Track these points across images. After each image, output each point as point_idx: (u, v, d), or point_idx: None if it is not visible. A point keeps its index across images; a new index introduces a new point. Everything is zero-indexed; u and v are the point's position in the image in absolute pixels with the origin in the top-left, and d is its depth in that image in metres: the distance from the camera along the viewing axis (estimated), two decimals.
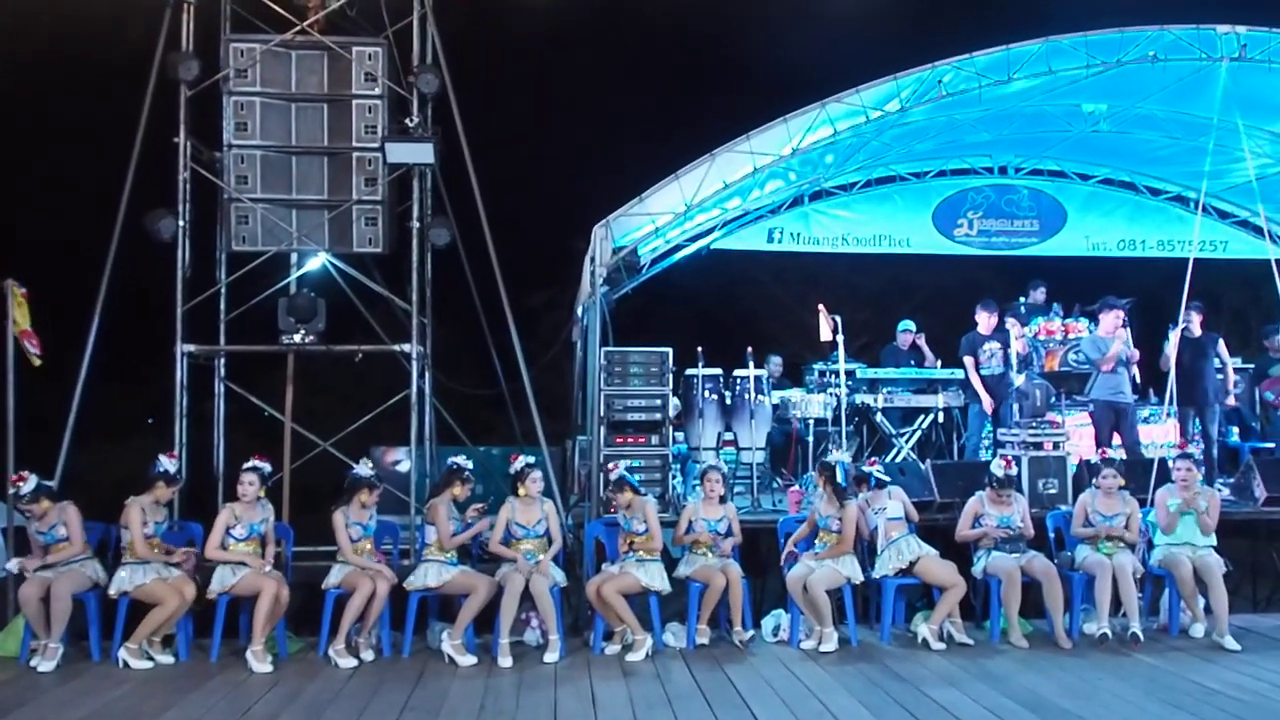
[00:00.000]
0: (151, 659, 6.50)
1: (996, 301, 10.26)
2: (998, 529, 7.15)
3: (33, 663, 6.42)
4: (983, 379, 9.85)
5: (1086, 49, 8.26)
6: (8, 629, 6.83)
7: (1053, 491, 8.25)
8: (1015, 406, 9.06)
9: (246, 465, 6.85)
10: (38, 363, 7.65)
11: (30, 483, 6.72)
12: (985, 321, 10.00)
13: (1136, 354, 9.13)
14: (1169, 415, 9.56)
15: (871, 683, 6.06)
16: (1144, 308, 9.48)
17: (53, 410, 8.16)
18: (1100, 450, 7.62)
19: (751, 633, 6.98)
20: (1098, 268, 12.05)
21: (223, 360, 9.13)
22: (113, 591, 6.56)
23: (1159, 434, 9.50)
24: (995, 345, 9.86)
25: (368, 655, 6.63)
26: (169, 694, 5.85)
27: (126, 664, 6.40)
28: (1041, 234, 11.54)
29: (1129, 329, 9.12)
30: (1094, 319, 9.18)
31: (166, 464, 6.88)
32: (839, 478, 7.09)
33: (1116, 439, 8.83)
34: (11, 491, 6.76)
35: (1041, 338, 9.76)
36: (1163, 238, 11.63)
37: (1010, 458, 7.63)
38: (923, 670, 6.32)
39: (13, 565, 6.78)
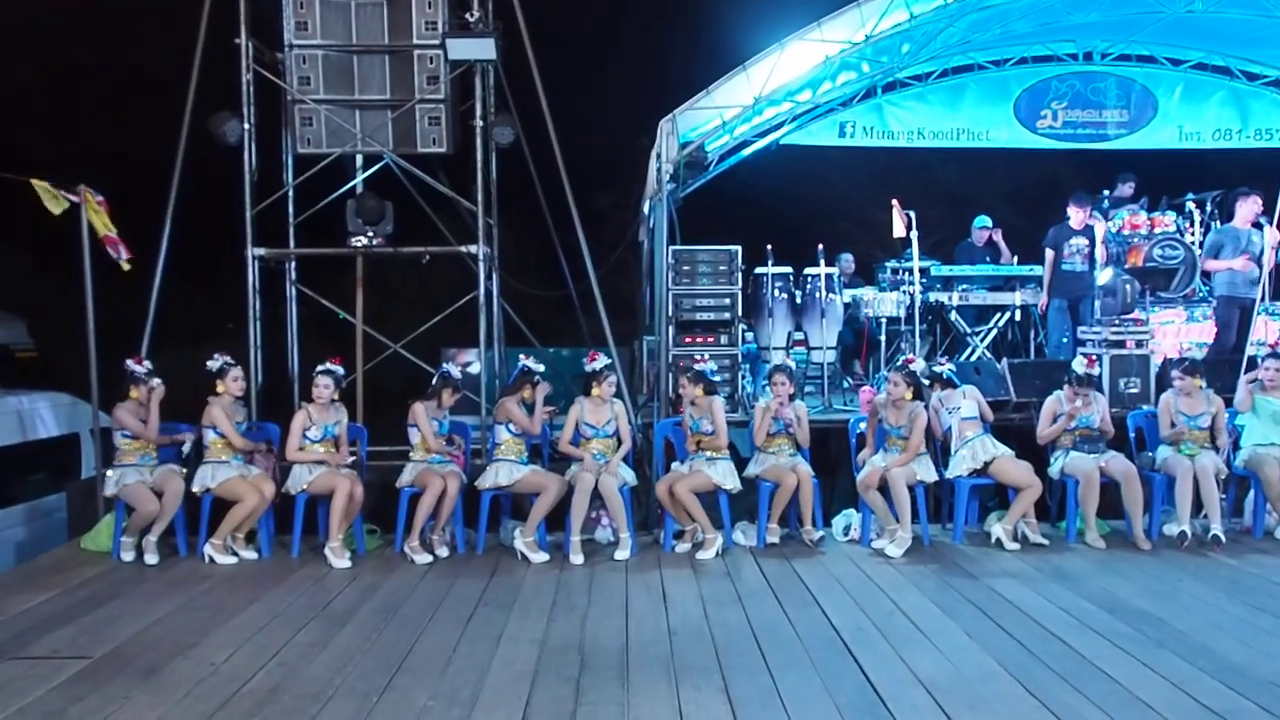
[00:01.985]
0: (236, 555, 6.70)
1: (1089, 195, 9.82)
2: (1078, 405, 6.92)
3: (128, 556, 6.65)
4: (1064, 274, 9.50)
5: None
6: (99, 525, 7.08)
7: (1134, 391, 8.03)
8: (1097, 304, 8.78)
9: (320, 368, 6.94)
10: (127, 267, 7.79)
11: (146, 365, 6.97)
12: (1076, 216, 9.56)
13: (1276, 237, 8.66)
14: (1264, 312, 9.16)
15: (943, 582, 6.02)
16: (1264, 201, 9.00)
17: (131, 315, 8.32)
18: (1178, 350, 7.34)
19: (822, 532, 6.97)
20: (1188, 160, 11.48)
21: (293, 263, 9.20)
22: (196, 488, 6.75)
23: (1253, 332, 9.12)
24: (1083, 241, 9.48)
25: (443, 552, 6.76)
26: (253, 588, 6.04)
27: (212, 559, 6.61)
28: (1130, 125, 11.00)
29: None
30: (1229, 210, 8.71)
31: (212, 363, 6.97)
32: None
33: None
34: (143, 371, 6.92)
35: (1126, 232, 9.42)
36: (1261, 126, 11.03)
37: (1092, 356, 7.40)
38: (995, 570, 6.26)
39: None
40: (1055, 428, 7.05)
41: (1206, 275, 9.19)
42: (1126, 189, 10.19)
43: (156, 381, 6.91)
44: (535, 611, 5.51)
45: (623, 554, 6.66)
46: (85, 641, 5.04)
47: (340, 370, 7.08)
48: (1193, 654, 4.65)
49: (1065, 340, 9.39)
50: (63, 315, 8.74)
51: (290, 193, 8.98)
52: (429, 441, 6.89)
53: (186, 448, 6.99)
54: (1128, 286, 8.39)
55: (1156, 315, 9.03)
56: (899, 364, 7.11)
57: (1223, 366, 7.85)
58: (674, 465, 7.17)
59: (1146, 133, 11.03)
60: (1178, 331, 9.19)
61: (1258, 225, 8.76)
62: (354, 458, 7.18)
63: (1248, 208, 8.66)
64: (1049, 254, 9.50)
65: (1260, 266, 8.70)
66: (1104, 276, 8.65)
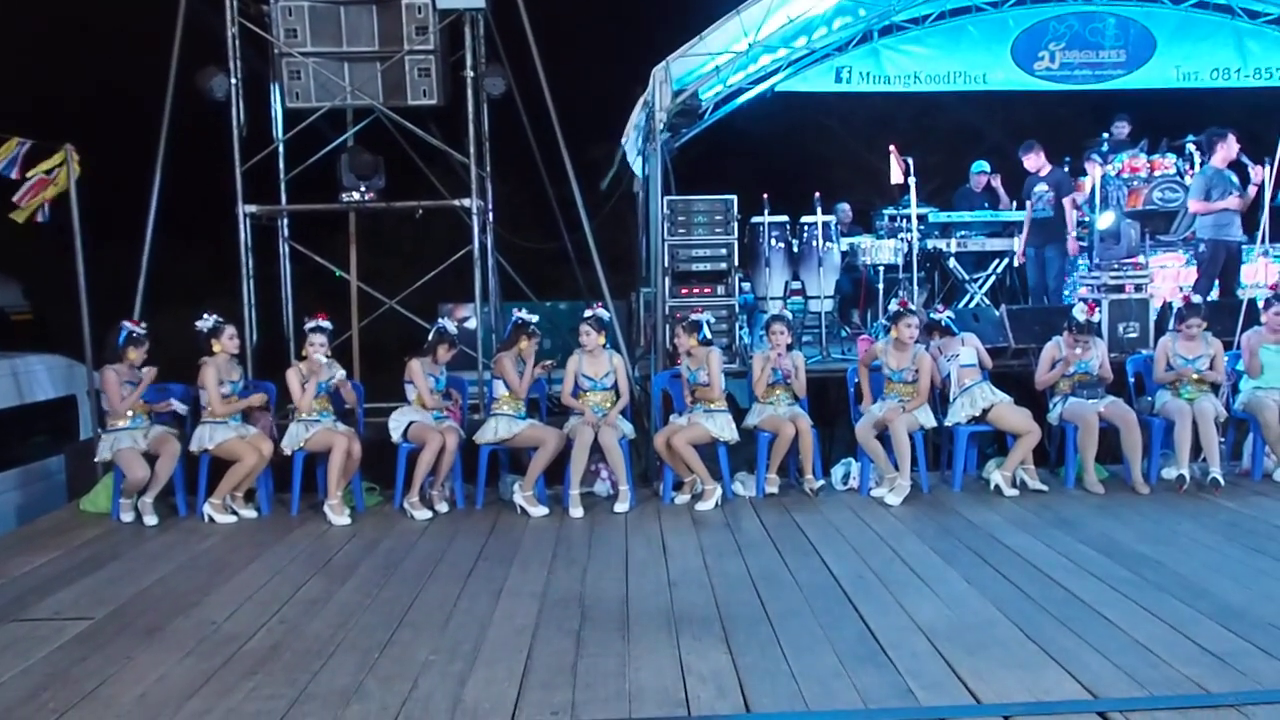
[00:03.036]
0: (235, 513, 6.71)
1: (1039, 140, 9.77)
2: (1076, 352, 6.90)
3: (127, 518, 6.66)
4: (1033, 222, 9.48)
5: None
6: (98, 486, 7.08)
7: (1133, 335, 8.01)
8: (1095, 248, 8.72)
9: (310, 325, 6.86)
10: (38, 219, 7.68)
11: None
12: (1031, 163, 9.56)
13: (1260, 173, 8.60)
14: (1264, 254, 9.11)
15: (943, 529, 6.03)
16: (1242, 141, 8.90)
17: (124, 276, 8.25)
18: (1184, 296, 7.29)
19: (821, 481, 6.97)
20: (1185, 101, 11.31)
21: (285, 220, 9.12)
22: (194, 448, 6.73)
23: (1250, 273, 9.08)
24: (1044, 187, 9.44)
25: (442, 507, 6.77)
26: (253, 546, 6.05)
27: (211, 518, 6.62)
28: (1128, 65, 10.82)
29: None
30: (1207, 150, 8.64)
31: (202, 323, 6.89)
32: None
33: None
34: (140, 333, 6.86)
35: (1125, 175, 9.33)
36: (1261, 65, 10.87)
37: (1092, 302, 7.36)
38: (995, 517, 6.27)
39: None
40: (1053, 373, 7.03)
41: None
42: (1122, 130, 10.10)
43: (148, 370, 6.83)
44: (535, 565, 5.52)
45: (622, 506, 6.67)
46: (86, 602, 5.05)
47: (329, 325, 7.01)
48: (1192, 597, 4.66)
49: (1052, 285, 9.41)
50: (58, 277, 8.67)
51: (280, 148, 8.88)
52: (425, 398, 6.87)
53: (182, 409, 6.95)
54: (1133, 231, 8.32)
55: (1155, 259, 8.97)
56: (895, 307, 7.05)
57: (1221, 310, 7.81)
58: (672, 417, 7.15)
59: (1143, 73, 10.86)
60: (1176, 275, 9.14)
61: (1236, 165, 8.67)
62: (350, 412, 7.16)
63: (1226, 149, 8.58)
64: (1027, 205, 9.50)
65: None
66: (1105, 220, 8.56)
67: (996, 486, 6.78)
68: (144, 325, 6.94)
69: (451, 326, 7.13)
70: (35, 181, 7.50)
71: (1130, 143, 9.95)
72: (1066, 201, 9.33)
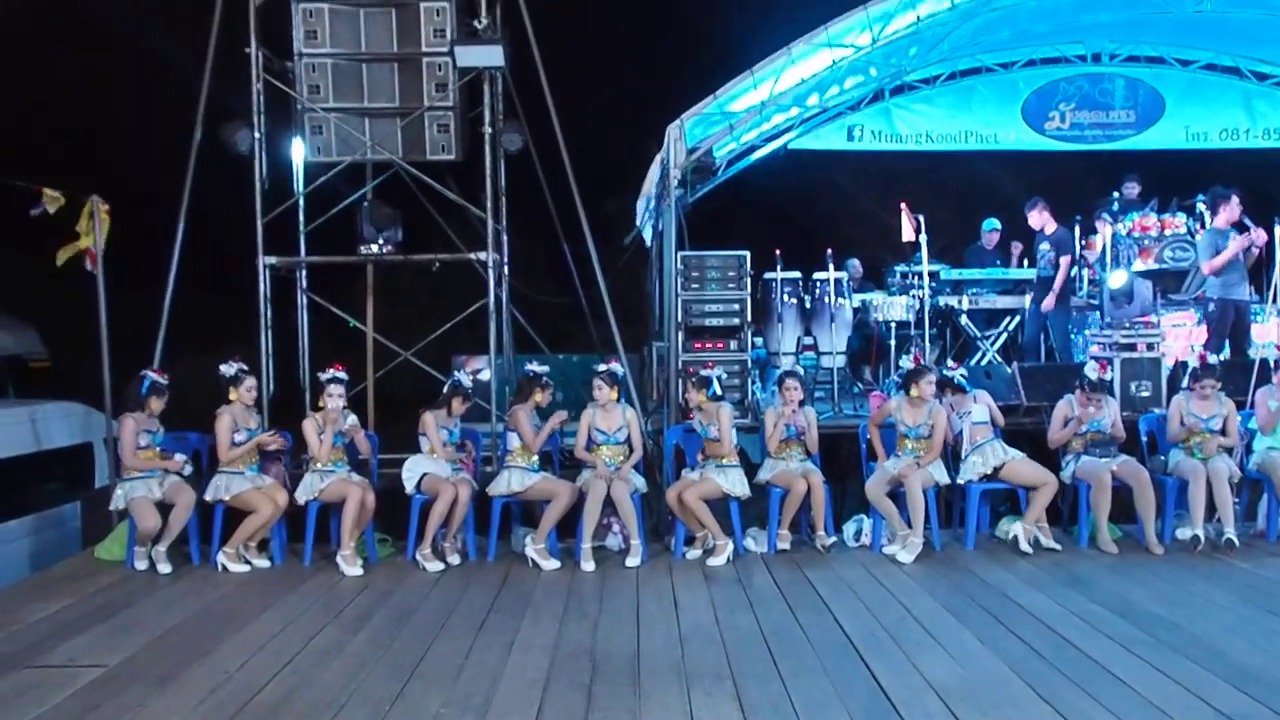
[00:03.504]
0: (248, 563, 6.73)
1: (1048, 199, 9.90)
2: (1089, 411, 6.91)
3: (141, 566, 6.68)
4: (1036, 279, 9.60)
5: None
6: (113, 534, 7.11)
7: (1146, 394, 8.02)
8: (1106, 306, 8.76)
9: (327, 376, 6.91)
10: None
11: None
12: (1035, 219, 9.69)
13: (1263, 235, 8.67)
14: (1276, 314, 9.14)
15: (955, 587, 6.01)
16: (1247, 202, 8.98)
17: (143, 324, 8.36)
18: (1201, 355, 7.31)
19: (833, 538, 6.96)
20: (1195, 160, 11.44)
21: (304, 271, 9.24)
22: (209, 497, 6.77)
23: (1261, 333, 9.09)
24: (1045, 246, 9.56)
25: (454, 559, 6.77)
26: (266, 596, 6.06)
27: (225, 567, 6.64)
28: (1138, 125, 10.98)
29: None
30: (1210, 211, 8.73)
31: (226, 368, 6.96)
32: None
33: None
34: (162, 383, 6.93)
35: (1136, 234, 9.40)
36: (1269, 126, 11.00)
37: (1104, 360, 7.39)
38: (1008, 575, 6.24)
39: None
40: (1066, 431, 7.03)
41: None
42: (1132, 190, 10.19)
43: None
44: (547, 618, 5.52)
45: (634, 561, 6.67)
46: (100, 650, 5.07)
47: (346, 376, 7.07)
48: (1207, 658, 4.63)
49: (1058, 343, 9.53)
50: (76, 324, 8.79)
51: (301, 201, 9.02)
52: (438, 451, 6.91)
53: (187, 470, 6.95)
54: (1146, 289, 8.37)
55: (1167, 318, 9.00)
56: (909, 366, 7.09)
57: (1233, 369, 7.82)
58: (684, 472, 7.17)
59: (1154, 133, 11.01)
60: (1189, 334, 9.15)
61: (1239, 226, 8.74)
62: (364, 464, 7.20)
63: (1229, 210, 8.66)
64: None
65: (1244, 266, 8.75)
66: (1118, 279, 8.59)
67: (1015, 538, 6.75)
68: (166, 375, 7.02)
69: (466, 380, 7.20)
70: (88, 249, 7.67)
71: (1140, 202, 10.03)
72: (1064, 260, 9.42)
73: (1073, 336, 10.03)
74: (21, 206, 7.52)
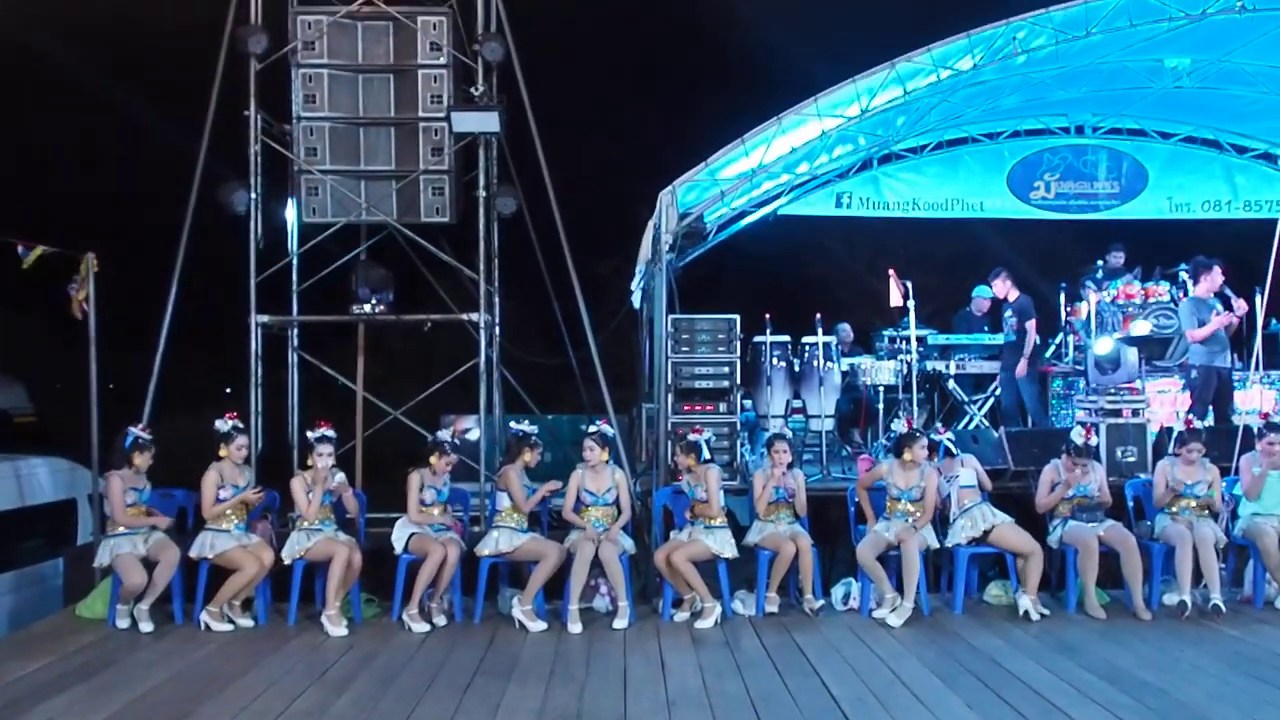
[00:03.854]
0: (232, 622, 6.66)
1: (1004, 267, 10.15)
2: (1076, 475, 6.95)
3: (123, 624, 6.60)
4: (1003, 346, 9.86)
5: (1170, 0, 7.94)
6: (95, 592, 7.04)
7: (1131, 460, 8.06)
8: (1090, 372, 8.85)
9: (315, 435, 6.92)
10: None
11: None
12: (999, 289, 9.93)
13: (1243, 305, 8.81)
14: (1260, 381, 9.24)
15: (944, 652, 5.99)
16: (1228, 272, 9.12)
17: (129, 381, 8.37)
18: (1187, 420, 7.38)
19: (821, 601, 6.93)
20: (1179, 230, 11.65)
21: (295, 330, 9.28)
22: (194, 554, 6.72)
23: (1245, 400, 9.18)
24: (1008, 313, 9.73)
25: (440, 620, 6.72)
26: (249, 656, 6.00)
27: (208, 626, 6.57)
28: (1122, 196, 11.20)
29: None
30: (1193, 279, 8.89)
31: (221, 424, 6.96)
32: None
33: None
34: (145, 439, 6.93)
35: (1120, 301, 9.52)
36: (1250, 198, 11.23)
37: (1090, 426, 7.44)
38: (996, 640, 6.22)
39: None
40: (1053, 496, 7.06)
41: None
42: (1117, 259, 10.36)
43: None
44: (533, 681, 5.48)
45: (621, 623, 6.62)
46: (80, 710, 5.01)
47: (334, 435, 7.07)
48: None
49: (1030, 406, 9.73)
50: (62, 379, 8.82)
51: (294, 261, 9.09)
52: (411, 511, 6.89)
53: (163, 526, 6.92)
54: (1131, 356, 8.47)
55: (1152, 384, 9.09)
56: (901, 430, 7.13)
57: (1219, 435, 7.88)
58: (672, 533, 7.16)
59: (1137, 203, 11.22)
60: (1174, 400, 9.23)
61: (1220, 295, 8.89)
62: (351, 523, 7.17)
63: (1210, 280, 8.81)
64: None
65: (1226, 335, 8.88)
66: (1103, 346, 8.67)
67: (1025, 612, 6.69)
68: (149, 432, 7.02)
69: (445, 435, 7.19)
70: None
71: (1125, 270, 10.18)
72: (1029, 325, 9.57)
73: (1054, 402, 10.12)
74: (11, 262, 7.58)
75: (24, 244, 7.50)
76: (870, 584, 6.93)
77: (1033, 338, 9.60)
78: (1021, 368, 9.64)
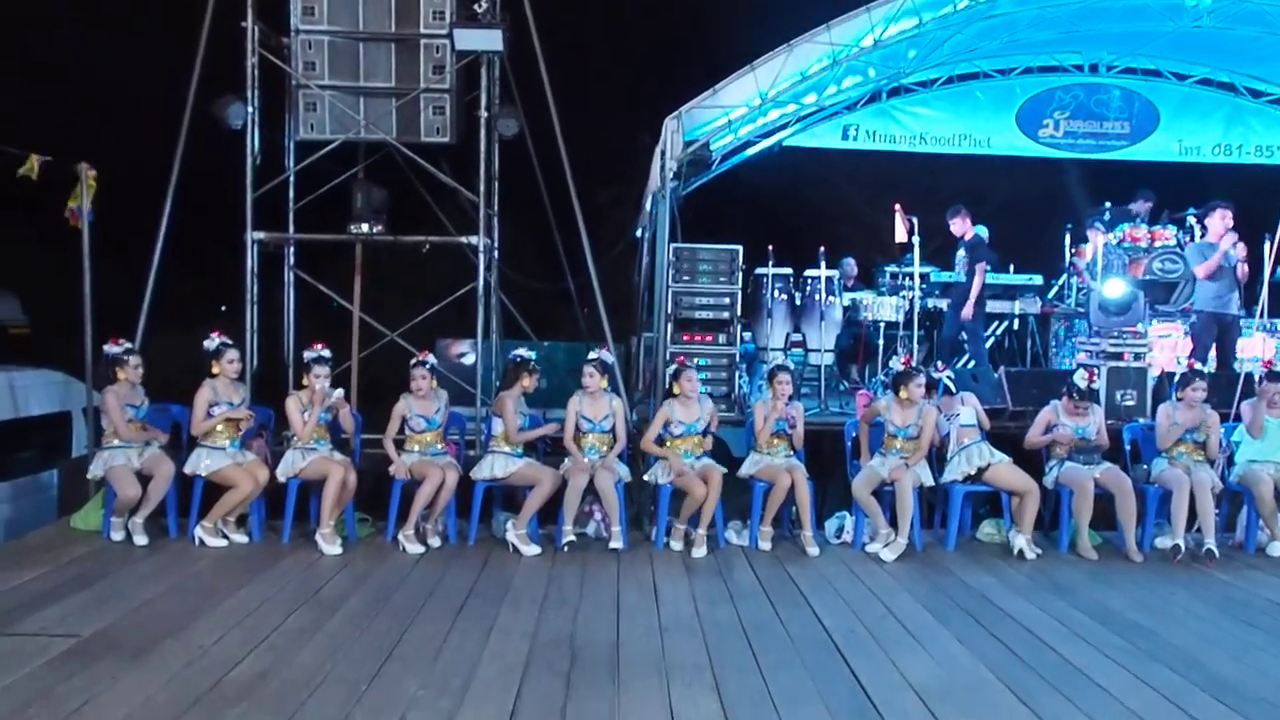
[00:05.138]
0: (226, 538, 6.66)
1: (964, 205, 10.00)
2: (1072, 437, 6.95)
3: (117, 537, 6.61)
4: (953, 284, 9.72)
5: None
6: (90, 504, 7.04)
7: (1131, 403, 8.05)
8: (1093, 314, 8.78)
9: (312, 356, 6.85)
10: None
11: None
12: (956, 227, 9.80)
13: (1244, 250, 8.73)
14: (1261, 329, 9.19)
15: (936, 588, 6.02)
16: (1239, 218, 9.02)
17: (125, 296, 8.28)
18: (1189, 363, 7.33)
19: (816, 549, 6.91)
20: (1188, 174, 11.50)
21: (292, 248, 9.17)
22: (187, 470, 6.69)
23: (1247, 347, 9.14)
24: (961, 253, 9.62)
25: (434, 542, 6.73)
26: (243, 572, 6.01)
27: (202, 542, 6.58)
28: (1132, 137, 11.01)
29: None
30: (1200, 223, 8.79)
31: (209, 342, 6.88)
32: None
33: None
34: (116, 352, 6.85)
35: (1127, 244, 9.43)
36: (1262, 143, 11.06)
37: (1092, 369, 7.39)
38: (988, 578, 6.25)
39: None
40: (1045, 438, 7.06)
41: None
42: (1144, 206, 10.18)
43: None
44: (526, 604, 5.49)
45: (616, 544, 6.65)
46: (73, 620, 5.01)
47: (330, 355, 7.00)
48: (1184, 667, 4.65)
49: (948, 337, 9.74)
50: (57, 292, 8.71)
51: (291, 178, 8.95)
52: (388, 438, 6.86)
53: (157, 443, 6.87)
54: (1139, 300, 8.41)
55: (1154, 328, 9.04)
56: (899, 368, 7.08)
57: (1219, 381, 7.85)
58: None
59: (1146, 145, 11.05)
60: (1174, 345, 9.19)
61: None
62: (346, 443, 7.16)
63: (1217, 222, 8.72)
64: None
65: (1236, 280, 8.80)
66: (1115, 289, 8.56)
67: (1020, 551, 6.71)
68: (124, 343, 6.94)
69: (431, 360, 7.10)
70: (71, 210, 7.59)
71: (1149, 219, 10.04)
72: (979, 267, 9.47)
73: (1053, 346, 10.10)
74: (5, 171, 7.43)
75: (17, 152, 7.35)
76: (864, 518, 6.94)
77: (981, 280, 9.48)
78: (968, 311, 9.50)
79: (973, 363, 9.65)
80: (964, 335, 9.86)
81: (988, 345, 10.27)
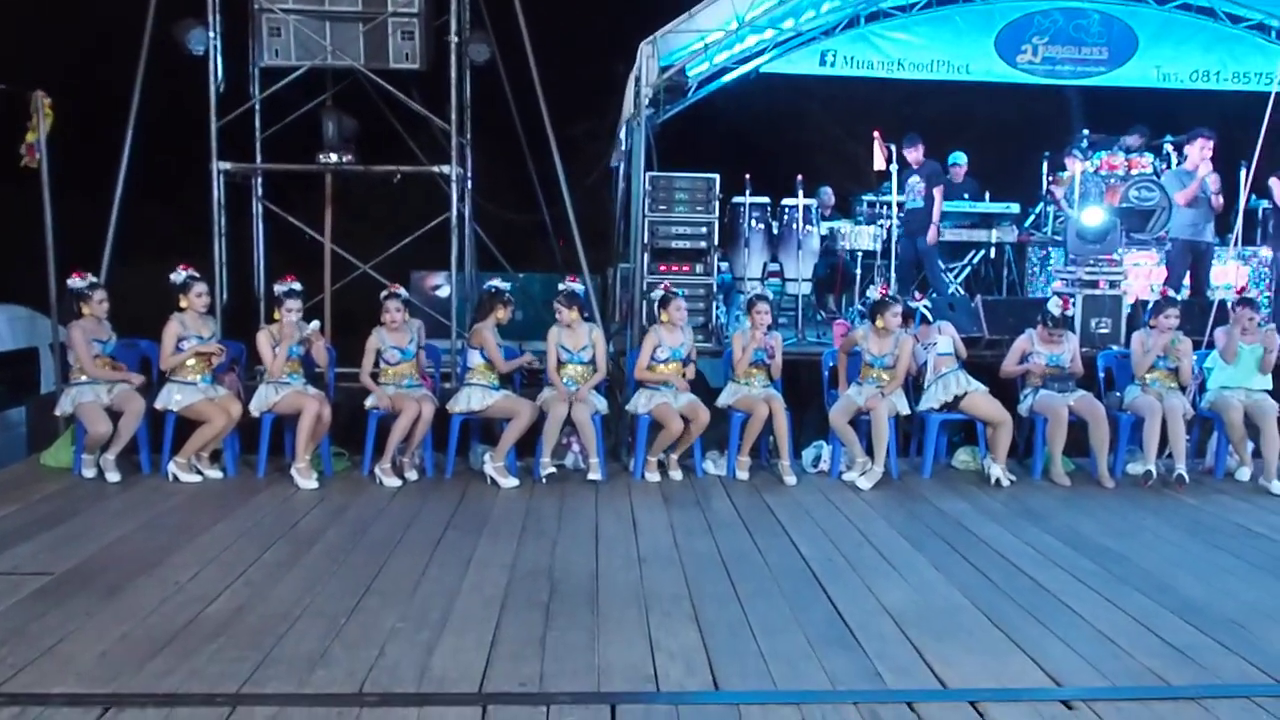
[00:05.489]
0: (200, 473, 6.62)
1: (919, 134, 9.96)
2: (1044, 366, 6.98)
3: (89, 474, 6.55)
4: (907, 211, 9.64)
5: None
6: (59, 440, 6.96)
7: (1105, 331, 8.08)
8: (1070, 242, 8.77)
9: (283, 289, 6.74)
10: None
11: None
12: (911, 155, 9.76)
13: (1217, 181, 8.71)
14: (1235, 257, 9.22)
15: (912, 515, 6.07)
16: (1216, 146, 8.98)
17: (91, 229, 8.09)
18: (1163, 290, 7.36)
19: (794, 479, 6.94)
20: (1164, 100, 11.39)
21: (259, 179, 8.98)
22: (158, 405, 6.62)
23: (1220, 274, 9.17)
24: (915, 179, 9.55)
25: (411, 475, 6.71)
26: (218, 508, 5.97)
27: (176, 477, 6.53)
28: (1110, 62, 10.85)
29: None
30: (1178, 151, 8.73)
31: (175, 276, 6.76)
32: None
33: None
34: (80, 286, 6.72)
35: (1104, 172, 9.39)
36: (1240, 70, 10.95)
37: (1067, 297, 7.40)
38: (963, 505, 6.31)
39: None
40: (1019, 368, 7.09)
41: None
42: (1137, 140, 10.10)
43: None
44: (504, 536, 5.50)
45: (594, 476, 6.67)
46: (46, 558, 4.96)
47: (301, 288, 6.89)
48: (1154, 590, 4.72)
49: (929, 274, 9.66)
50: (19, 224, 8.50)
51: (257, 106, 8.72)
52: (363, 372, 6.82)
53: (135, 384, 6.75)
54: (1118, 225, 8.40)
55: (1129, 256, 9.04)
56: (875, 297, 7.06)
57: (1192, 309, 7.89)
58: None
59: (1124, 71, 10.90)
60: (1148, 274, 9.22)
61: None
62: (321, 376, 7.09)
63: (1196, 151, 8.69)
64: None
65: (1211, 209, 8.79)
66: (1093, 217, 8.53)
67: (996, 479, 6.78)
68: (88, 277, 6.80)
69: (403, 292, 7.03)
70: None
71: (1139, 152, 9.97)
72: (936, 191, 9.44)
73: (1030, 274, 10.08)
74: None
75: None
76: (841, 447, 6.98)
77: (939, 205, 9.45)
78: (932, 234, 9.47)
79: (934, 294, 9.64)
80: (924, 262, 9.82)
81: (964, 275, 10.26)
